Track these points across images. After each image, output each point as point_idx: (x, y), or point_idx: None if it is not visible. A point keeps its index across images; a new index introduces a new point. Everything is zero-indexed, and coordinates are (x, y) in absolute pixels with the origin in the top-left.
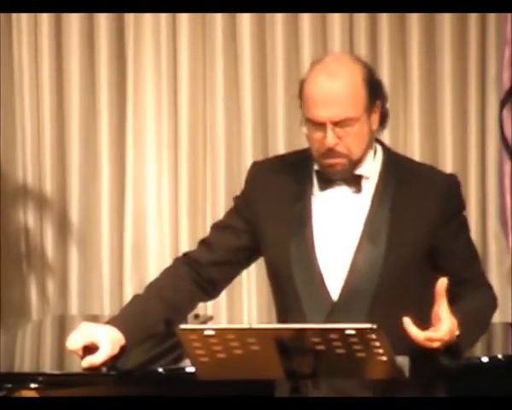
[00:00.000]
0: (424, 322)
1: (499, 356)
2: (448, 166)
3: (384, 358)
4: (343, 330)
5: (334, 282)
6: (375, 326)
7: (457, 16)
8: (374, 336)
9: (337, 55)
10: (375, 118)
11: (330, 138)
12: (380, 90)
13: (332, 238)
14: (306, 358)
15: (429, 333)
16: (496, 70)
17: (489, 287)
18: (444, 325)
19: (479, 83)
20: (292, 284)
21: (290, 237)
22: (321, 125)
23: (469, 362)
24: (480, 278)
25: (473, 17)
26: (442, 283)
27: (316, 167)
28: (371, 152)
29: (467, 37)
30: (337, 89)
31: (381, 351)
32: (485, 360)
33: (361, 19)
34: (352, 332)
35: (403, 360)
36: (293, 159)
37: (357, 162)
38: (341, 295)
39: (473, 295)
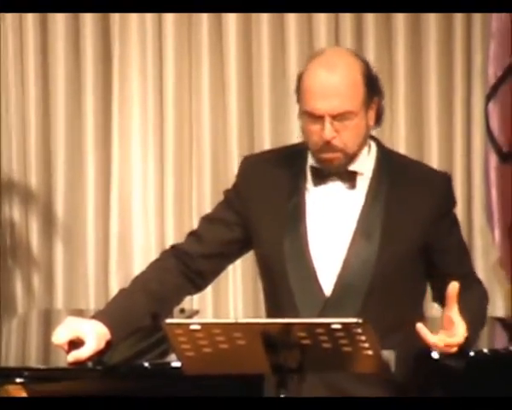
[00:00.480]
0: (415, 318)
1: (485, 350)
2: (434, 159)
3: (370, 352)
4: (329, 324)
5: (328, 278)
6: (360, 321)
7: None
8: (360, 331)
9: (337, 49)
10: (372, 114)
11: (328, 131)
12: (377, 86)
13: (326, 234)
14: (292, 352)
15: (448, 340)
16: (481, 63)
17: (480, 283)
18: (460, 330)
19: (464, 76)
20: (285, 279)
21: (284, 232)
22: (318, 118)
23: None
24: (473, 275)
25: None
26: (453, 287)
27: (310, 162)
28: (366, 148)
29: (452, 30)
30: (336, 81)
31: (366, 345)
32: (471, 354)
33: (346, 16)
34: (338, 327)
35: (389, 355)
36: (286, 153)
37: (352, 157)
38: (334, 290)
39: (471, 293)
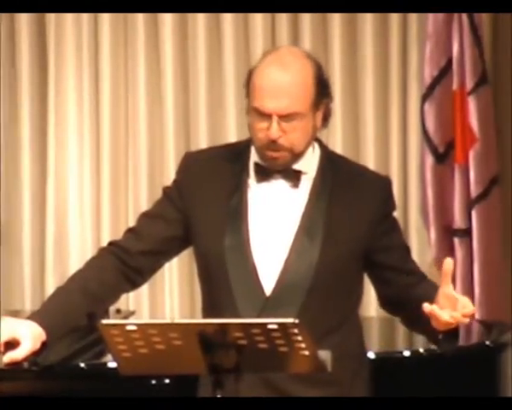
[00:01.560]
0: (354, 320)
1: (421, 350)
2: (370, 159)
3: (306, 352)
4: (265, 324)
5: (269, 277)
6: (296, 321)
7: None
8: (296, 331)
9: (291, 48)
10: (320, 115)
11: (274, 131)
12: (327, 88)
13: (268, 232)
14: (229, 353)
15: (465, 310)
16: (417, 64)
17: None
18: (466, 300)
19: (400, 77)
20: (224, 277)
21: (225, 228)
22: (266, 116)
23: (390, 356)
24: (421, 272)
25: (394, 13)
26: (449, 263)
27: (254, 159)
28: (310, 148)
29: (388, 31)
30: (287, 81)
31: (302, 345)
32: (407, 353)
33: (283, 16)
34: (274, 327)
35: (325, 355)
36: (229, 150)
37: (298, 156)
38: (275, 290)
39: (428, 282)
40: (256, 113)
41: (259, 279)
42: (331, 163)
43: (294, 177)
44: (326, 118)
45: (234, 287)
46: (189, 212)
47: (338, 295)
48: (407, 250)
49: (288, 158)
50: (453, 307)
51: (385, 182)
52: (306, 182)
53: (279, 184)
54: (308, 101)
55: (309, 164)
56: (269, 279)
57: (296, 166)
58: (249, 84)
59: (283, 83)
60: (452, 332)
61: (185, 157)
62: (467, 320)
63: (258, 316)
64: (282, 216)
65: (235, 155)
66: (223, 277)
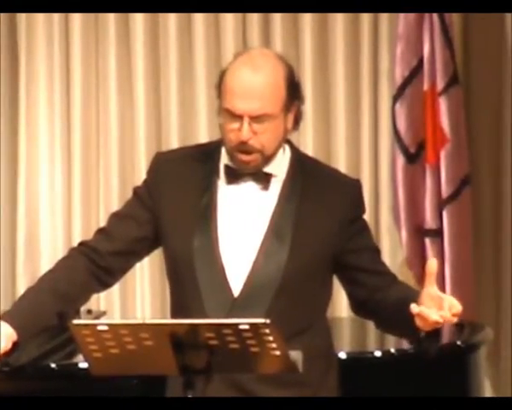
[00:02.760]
0: (319, 315)
1: (392, 350)
2: (341, 160)
3: (277, 352)
4: (237, 324)
5: (237, 278)
6: (268, 321)
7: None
8: (267, 331)
9: (262, 50)
10: (291, 118)
11: (245, 132)
12: (298, 91)
13: (237, 233)
14: (200, 353)
15: (454, 309)
16: (388, 65)
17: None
18: (453, 299)
19: (371, 77)
20: (193, 278)
21: (194, 230)
22: (237, 117)
23: (361, 356)
24: (392, 273)
25: (365, 13)
26: (432, 263)
27: (224, 161)
28: (281, 150)
29: (359, 31)
30: (259, 83)
31: (274, 346)
32: (378, 354)
33: (254, 16)
34: (246, 327)
35: (296, 355)
36: (199, 151)
37: (268, 159)
38: (242, 291)
39: (400, 283)
40: (227, 114)
41: (227, 281)
42: (301, 166)
43: (264, 179)
44: (297, 120)
45: (202, 288)
46: (159, 212)
47: (306, 297)
48: (377, 252)
49: (259, 161)
50: (439, 306)
51: (355, 185)
52: (276, 184)
53: (249, 186)
54: (279, 103)
55: (279, 166)
56: (237, 281)
57: (266, 169)
58: (221, 85)
59: (255, 84)
60: (433, 332)
61: (155, 157)
62: (455, 320)
63: (227, 317)
64: (251, 218)
65: (205, 155)
66: (191, 278)
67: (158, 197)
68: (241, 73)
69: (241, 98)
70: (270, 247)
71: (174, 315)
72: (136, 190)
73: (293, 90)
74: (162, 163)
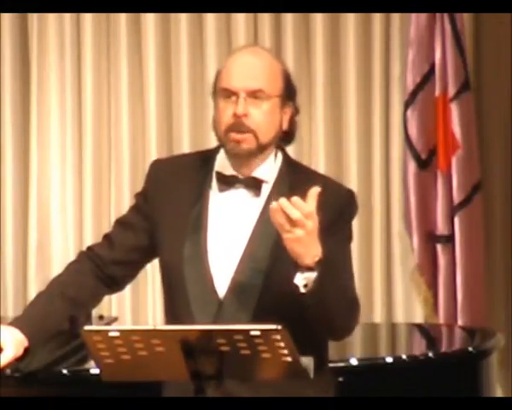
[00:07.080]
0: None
1: (403, 356)
2: (352, 166)
3: (289, 358)
4: (248, 331)
5: (224, 282)
6: (279, 327)
7: (361, 16)
8: (278, 337)
9: (263, 46)
10: (286, 118)
11: (241, 106)
12: (294, 95)
13: (226, 241)
14: (211, 359)
15: (298, 203)
16: (399, 71)
17: (356, 298)
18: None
19: (383, 83)
20: (182, 287)
21: (185, 237)
22: (233, 95)
23: (373, 362)
24: (353, 290)
25: (377, 17)
26: (315, 189)
27: (217, 168)
28: (272, 156)
29: (371, 37)
30: (258, 64)
31: (285, 352)
32: (389, 360)
33: (265, 17)
34: (257, 333)
35: (307, 361)
36: (195, 158)
37: (261, 148)
38: (227, 293)
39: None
40: (223, 94)
41: (214, 286)
42: (291, 171)
43: (255, 185)
44: (291, 129)
45: (190, 294)
46: (155, 220)
47: (291, 298)
48: (351, 266)
49: (252, 144)
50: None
51: (343, 194)
52: (267, 191)
53: (240, 194)
54: (276, 85)
55: (270, 172)
56: (224, 285)
57: (257, 174)
58: (216, 83)
59: (253, 65)
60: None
61: (152, 165)
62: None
63: (214, 322)
64: (242, 225)
65: (200, 163)
66: (181, 287)
67: (154, 205)
68: (241, 56)
69: (237, 75)
70: (253, 249)
71: (166, 321)
72: (135, 198)
73: (290, 90)
74: (158, 170)
